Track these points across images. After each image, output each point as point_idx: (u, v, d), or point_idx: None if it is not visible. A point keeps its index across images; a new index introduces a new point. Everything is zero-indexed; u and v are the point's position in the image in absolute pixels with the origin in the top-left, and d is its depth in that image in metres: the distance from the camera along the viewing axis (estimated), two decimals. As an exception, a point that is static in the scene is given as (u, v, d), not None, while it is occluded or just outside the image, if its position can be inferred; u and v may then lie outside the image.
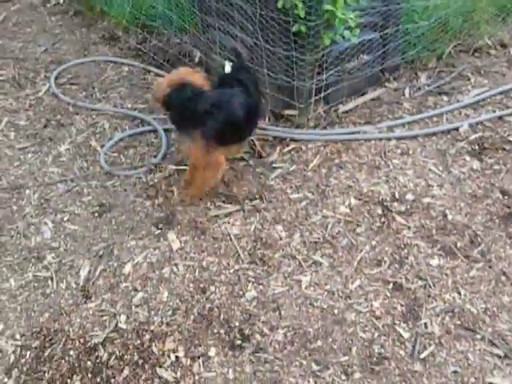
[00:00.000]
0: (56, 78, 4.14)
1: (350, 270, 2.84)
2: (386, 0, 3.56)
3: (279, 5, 3.14)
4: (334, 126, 3.67)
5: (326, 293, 2.76)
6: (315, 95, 3.58)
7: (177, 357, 2.56)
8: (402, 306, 2.66)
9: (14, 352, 2.66)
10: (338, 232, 3.03)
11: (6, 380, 2.56)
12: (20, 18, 5.01)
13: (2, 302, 2.85)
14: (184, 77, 3.01)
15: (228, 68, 3.69)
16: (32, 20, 4.96)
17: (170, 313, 2.75)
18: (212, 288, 2.84)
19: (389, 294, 2.71)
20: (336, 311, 2.67)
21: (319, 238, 3.00)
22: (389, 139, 3.54)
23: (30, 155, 3.59)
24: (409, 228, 3.00)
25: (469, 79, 3.95)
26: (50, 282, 2.91)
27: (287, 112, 3.68)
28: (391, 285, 2.75)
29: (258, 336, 2.61)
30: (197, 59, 4.15)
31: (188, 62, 4.09)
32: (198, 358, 2.55)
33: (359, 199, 3.18)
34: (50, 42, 4.61)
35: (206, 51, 3.96)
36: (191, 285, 2.86)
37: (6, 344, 2.69)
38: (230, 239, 3.04)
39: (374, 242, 2.95)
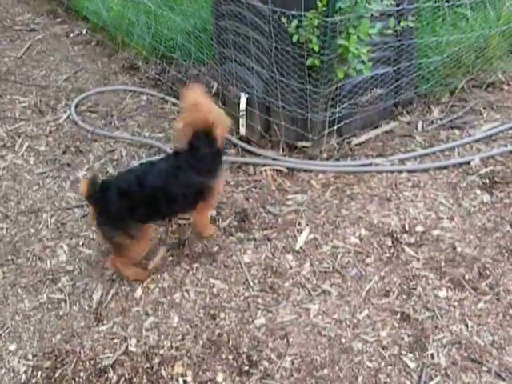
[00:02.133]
0: (76, 106, 4.27)
1: (358, 299, 2.87)
2: (400, 35, 3.64)
3: (294, 39, 3.23)
4: (347, 157, 3.73)
5: (333, 321, 2.78)
6: (328, 127, 3.65)
7: (185, 381, 2.59)
8: (409, 336, 2.68)
9: (25, 372, 2.71)
10: (347, 262, 3.06)
11: (17, 399, 2.61)
12: (44, 47, 5.17)
13: (16, 322, 2.91)
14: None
15: (244, 100, 3.79)
16: (55, 49, 5.12)
17: (179, 337, 2.79)
18: (222, 314, 2.87)
19: (396, 325, 2.73)
20: (343, 340, 2.69)
21: (329, 268, 3.04)
22: (400, 172, 3.58)
23: (48, 180, 3.68)
24: (418, 260, 3.03)
25: (481, 114, 4.00)
26: (63, 304, 2.97)
27: (301, 143, 3.75)
28: (399, 315, 2.77)
29: (265, 362, 2.64)
30: (214, 90, 4.25)
31: (207, 92, 4.19)
32: (206, 382, 2.58)
33: (369, 230, 3.21)
34: (71, 71, 4.74)
35: (222, 83, 4.06)
36: (201, 311, 2.90)
37: (19, 364, 2.74)
38: (241, 267, 3.09)
39: (382, 273, 2.98)
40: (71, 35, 5.35)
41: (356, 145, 3.81)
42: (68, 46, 5.17)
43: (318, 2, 3.07)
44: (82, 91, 4.45)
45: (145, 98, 4.39)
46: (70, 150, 3.88)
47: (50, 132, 4.06)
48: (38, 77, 4.69)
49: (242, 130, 3.89)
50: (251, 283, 2.99)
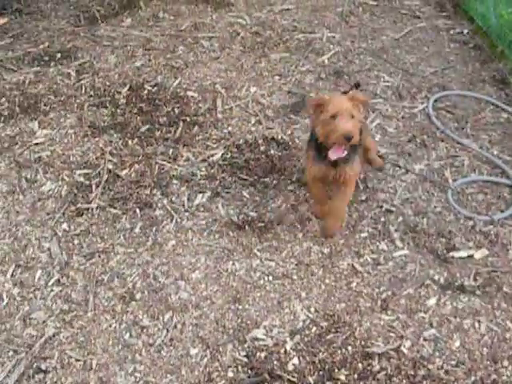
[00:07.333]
0: (435, 101, 4.25)
1: None
2: None
3: None
4: None
5: None
6: None
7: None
8: None
9: (303, 321, 2.90)
10: None
11: (287, 340, 2.81)
12: (421, 36, 5.22)
13: (318, 276, 3.10)
14: None
15: None
16: (432, 41, 5.13)
17: (453, 362, 2.69)
18: (505, 363, 2.68)
19: None
20: None
21: None
22: None
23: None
24: None
25: None
26: (359, 279, 3.07)
27: None
28: None
29: None
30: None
31: None
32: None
33: None
34: (441, 66, 4.73)
35: None
36: (485, 349, 2.74)
37: (301, 311, 2.94)
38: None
39: None
40: (451, 32, 5.30)
41: None
42: (445, 41, 5.13)
43: None
44: (444, 88, 4.41)
45: (505, 115, 4.17)
46: (415, 141, 3.90)
47: (403, 117, 4.13)
48: (408, 62, 4.77)
49: None
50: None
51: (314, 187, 3.23)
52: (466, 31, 5.30)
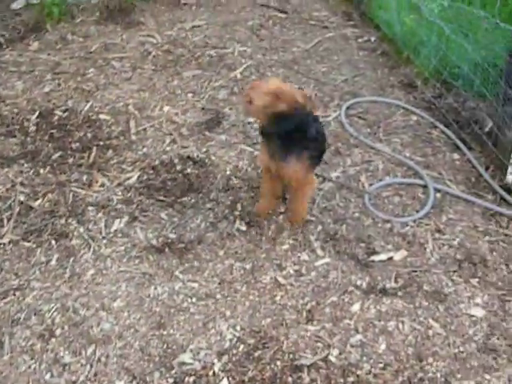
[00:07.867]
0: (347, 108, 4.34)
1: None
2: None
3: None
4: None
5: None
6: None
7: (373, 412, 2.52)
8: None
9: (230, 340, 2.85)
10: None
11: (215, 361, 2.75)
12: (331, 46, 5.33)
13: (242, 293, 3.07)
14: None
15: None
16: (341, 50, 5.25)
17: (381, 365, 2.71)
18: (430, 359, 2.73)
19: None
20: None
21: None
22: None
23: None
24: None
25: None
26: (283, 292, 3.06)
27: None
28: None
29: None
30: (487, 129, 4.03)
31: (478, 129, 4.00)
32: (394, 422, 2.48)
33: None
34: (351, 74, 4.83)
35: (499, 124, 3.81)
36: (410, 348, 2.78)
37: (227, 330, 2.89)
38: (466, 317, 2.90)
39: None
40: (359, 40, 5.44)
41: None
42: (354, 49, 5.26)
43: None
44: (356, 96, 4.51)
45: (415, 118, 4.30)
46: (330, 149, 3.95)
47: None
48: (319, 72, 4.86)
49: (510, 178, 3.64)
50: (476, 341, 2.79)
51: (265, 178, 3.31)
52: (373, 39, 5.45)
